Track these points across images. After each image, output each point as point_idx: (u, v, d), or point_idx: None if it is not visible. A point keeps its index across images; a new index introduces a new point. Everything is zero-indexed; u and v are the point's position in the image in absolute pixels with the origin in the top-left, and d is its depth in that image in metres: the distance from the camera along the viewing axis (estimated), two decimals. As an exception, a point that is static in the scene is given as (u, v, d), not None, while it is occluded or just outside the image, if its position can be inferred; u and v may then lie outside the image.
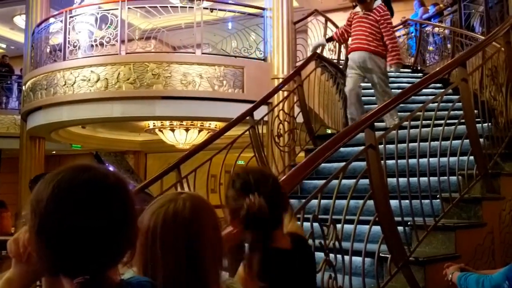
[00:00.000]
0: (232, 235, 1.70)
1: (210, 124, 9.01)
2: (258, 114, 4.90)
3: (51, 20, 8.38)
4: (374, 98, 5.57)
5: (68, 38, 7.67)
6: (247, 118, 4.77)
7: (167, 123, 9.02)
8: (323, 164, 4.74)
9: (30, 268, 0.92)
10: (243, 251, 1.74)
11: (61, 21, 7.85)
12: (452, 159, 3.28)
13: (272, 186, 1.55)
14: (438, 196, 3.15)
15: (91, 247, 0.84)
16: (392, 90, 5.74)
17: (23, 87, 8.93)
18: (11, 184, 10.24)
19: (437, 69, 3.70)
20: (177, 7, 7.50)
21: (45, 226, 0.83)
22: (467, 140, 3.43)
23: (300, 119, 5.31)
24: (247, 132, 4.69)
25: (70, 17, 7.73)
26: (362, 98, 5.44)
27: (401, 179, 3.00)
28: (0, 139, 11.40)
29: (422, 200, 3.00)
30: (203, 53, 7.29)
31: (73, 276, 0.84)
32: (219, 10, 7.67)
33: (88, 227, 0.83)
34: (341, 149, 4.56)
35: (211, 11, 7.65)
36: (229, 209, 1.54)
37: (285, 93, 5.76)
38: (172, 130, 9.20)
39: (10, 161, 10.88)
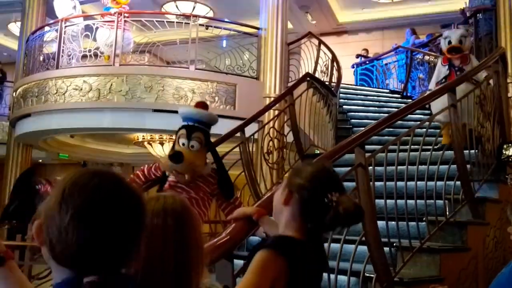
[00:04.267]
0: (220, 245, 1.72)
1: (200, 139, 9.00)
2: (248, 131, 4.92)
3: (46, 28, 8.39)
4: (368, 114, 5.66)
5: (62, 47, 7.68)
6: (238, 134, 4.79)
7: (156, 136, 9.01)
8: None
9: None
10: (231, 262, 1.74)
11: (56, 30, 7.86)
12: (439, 183, 3.33)
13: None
14: (424, 219, 3.19)
15: (108, 250, 0.88)
16: (382, 114, 5.83)
17: (14, 94, 8.87)
18: (-5, 190, 10.07)
19: (426, 94, 3.78)
20: (173, 22, 7.56)
21: (75, 222, 0.85)
22: (454, 166, 3.50)
23: (290, 138, 5.36)
24: (236, 150, 4.70)
25: (65, 26, 7.74)
26: (353, 115, 5.64)
27: (388, 201, 3.03)
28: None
29: (409, 222, 3.03)
30: (196, 69, 7.34)
31: (81, 272, 0.86)
32: (215, 27, 7.76)
33: (111, 231, 0.88)
34: (330, 169, 4.63)
35: (207, 28, 7.74)
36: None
37: (276, 112, 5.81)
38: (162, 143, 9.19)
39: (-5, 168, 10.72)
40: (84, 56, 7.55)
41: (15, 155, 9.43)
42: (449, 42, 5.20)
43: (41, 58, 8.25)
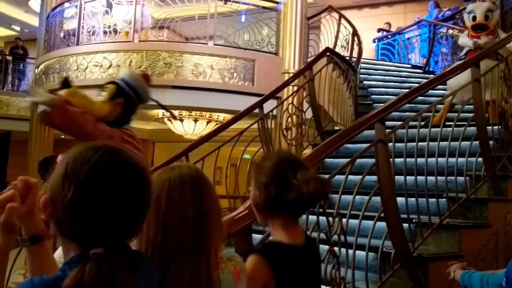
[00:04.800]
0: (236, 220, 1.73)
1: (218, 116, 9.03)
2: (267, 108, 4.91)
3: (66, 4, 8.40)
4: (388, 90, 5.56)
5: (82, 23, 7.71)
6: (256, 110, 4.78)
7: (176, 112, 9.05)
8: (330, 159, 4.77)
9: (13, 237, 1.00)
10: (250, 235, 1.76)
11: (76, 7, 7.88)
12: (460, 159, 3.29)
13: None
14: (444, 195, 3.16)
15: (113, 223, 0.89)
16: (403, 90, 5.73)
17: (36, 70, 8.98)
18: (19, 166, 10.32)
19: (449, 68, 3.69)
20: (192, -3, 7.51)
21: (76, 198, 0.87)
22: (476, 142, 3.44)
23: (308, 114, 5.32)
24: (254, 126, 4.70)
25: (85, 2, 7.76)
26: (374, 91, 5.53)
27: (408, 177, 3.01)
28: (11, 121, 11.51)
29: (429, 199, 3.01)
30: (215, 45, 7.30)
31: (86, 245, 0.87)
32: (233, 2, 7.67)
33: (115, 205, 0.88)
34: (349, 145, 4.59)
35: (225, 3, 7.65)
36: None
37: (295, 88, 5.77)
38: (181, 120, 9.23)
39: (19, 144, 10.96)
40: (104, 33, 7.57)
41: (38, 131, 9.61)
42: (474, 18, 4.91)
43: (62, 35, 8.30)
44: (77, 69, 7.49)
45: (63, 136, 12.38)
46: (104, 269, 0.83)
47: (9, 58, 12.43)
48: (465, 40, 5.16)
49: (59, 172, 0.90)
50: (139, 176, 0.94)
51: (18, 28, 14.60)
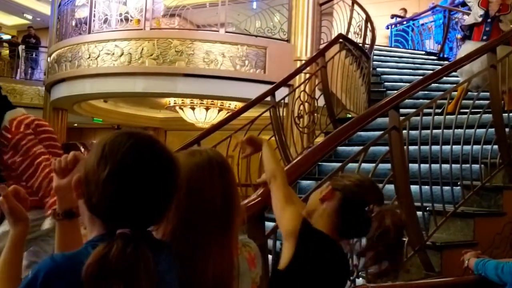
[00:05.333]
0: (251, 206, 1.72)
1: (230, 104, 9.02)
2: (279, 95, 4.87)
3: (78, -8, 8.42)
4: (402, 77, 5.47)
5: (94, 11, 7.71)
6: (268, 98, 4.75)
7: (187, 101, 9.06)
8: (342, 147, 4.74)
9: (26, 225, 1.11)
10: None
11: (87, -6, 7.89)
12: (475, 147, 3.24)
13: None
14: (459, 183, 3.12)
15: (144, 204, 0.92)
16: (417, 77, 5.65)
17: (48, 59, 9.03)
18: (33, 154, 10.44)
19: (463, 54, 3.62)
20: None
21: (112, 176, 0.91)
22: (492, 129, 3.38)
23: (321, 102, 5.28)
24: (265, 115, 4.67)
25: (97, -10, 7.76)
26: (387, 78, 5.40)
27: (422, 165, 2.97)
28: (24, 109, 11.56)
29: (443, 187, 2.97)
30: (226, 32, 7.25)
31: (112, 225, 0.90)
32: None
33: (147, 186, 0.92)
34: (362, 133, 4.55)
35: (237, -10, 7.60)
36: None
37: (307, 75, 5.72)
38: (193, 108, 9.23)
39: (32, 132, 11.06)
40: (115, 21, 7.57)
41: (51, 119, 9.70)
42: None
43: (73, 23, 8.32)
44: (89, 57, 7.52)
45: (76, 125, 12.50)
46: (130, 248, 0.86)
47: (22, 46, 12.50)
48: (471, 14, 4.90)
49: (95, 153, 0.94)
50: (170, 164, 0.98)
51: (30, 17, 14.68)
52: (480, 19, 4.70)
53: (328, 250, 1.45)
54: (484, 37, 4.63)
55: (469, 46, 4.63)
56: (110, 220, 0.92)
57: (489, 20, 4.61)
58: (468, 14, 8.12)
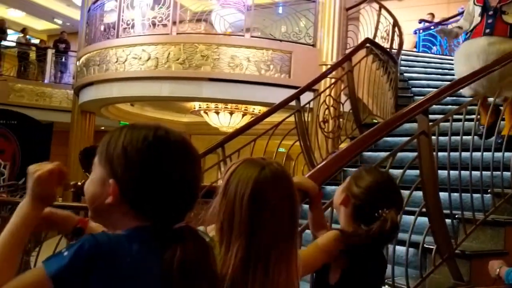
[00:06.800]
0: None
1: (254, 109, 9.03)
2: (304, 100, 4.84)
3: (107, -2, 8.58)
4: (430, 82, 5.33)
5: (122, 16, 7.84)
6: (292, 103, 4.72)
7: (212, 105, 9.11)
8: (369, 153, 4.68)
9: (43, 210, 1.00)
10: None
11: (116, 0, 8.02)
12: (506, 154, 3.15)
13: None
14: (489, 190, 3.04)
15: (176, 195, 0.94)
16: (445, 82, 5.54)
17: (77, 63, 9.21)
18: (61, 156, 10.65)
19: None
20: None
21: (144, 168, 0.92)
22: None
23: (346, 107, 5.22)
24: (288, 120, 4.63)
25: (125, -5, 7.88)
26: (415, 83, 5.14)
27: (451, 172, 2.90)
28: (53, 112, 11.87)
29: (473, 194, 2.90)
30: (252, 37, 7.27)
31: (149, 216, 0.93)
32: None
33: (177, 177, 0.94)
34: (388, 139, 4.48)
35: (263, -5, 7.62)
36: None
37: (333, 80, 5.67)
38: (217, 112, 9.28)
39: (61, 134, 11.30)
40: (143, 25, 7.67)
41: (79, 122, 9.89)
42: None
43: (102, 28, 8.47)
44: (117, 61, 7.63)
45: (103, 128, 12.71)
46: (200, 246, 0.92)
47: (52, 50, 12.80)
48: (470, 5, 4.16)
49: (119, 154, 0.94)
50: (185, 155, 0.97)
51: (60, 22, 15.01)
52: (479, 18, 3.98)
53: (371, 257, 1.48)
54: (487, 30, 3.88)
55: (467, 46, 4.01)
56: (146, 212, 0.93)
57: (490, 12, 3.89)
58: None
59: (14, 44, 13.13)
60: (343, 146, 5.08)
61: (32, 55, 12.92)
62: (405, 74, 7.25)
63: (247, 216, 1.04)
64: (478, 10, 3.98)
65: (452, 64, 8.37)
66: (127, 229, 0.91)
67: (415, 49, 10.48)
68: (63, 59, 12.80)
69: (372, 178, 1.52)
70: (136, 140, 0.93)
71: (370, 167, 1.67)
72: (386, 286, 2.48)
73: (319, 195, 1.66)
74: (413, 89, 6.74)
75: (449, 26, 4.69)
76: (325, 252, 1.42)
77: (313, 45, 7.15)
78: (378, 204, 1.45)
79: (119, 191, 0.91)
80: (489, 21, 3.87)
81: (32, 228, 0.97)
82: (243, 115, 9.30)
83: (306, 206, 1.63)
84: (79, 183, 5.58)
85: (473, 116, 3.12)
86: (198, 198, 0.98)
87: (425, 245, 2.61)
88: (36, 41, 14.70)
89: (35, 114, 11.32)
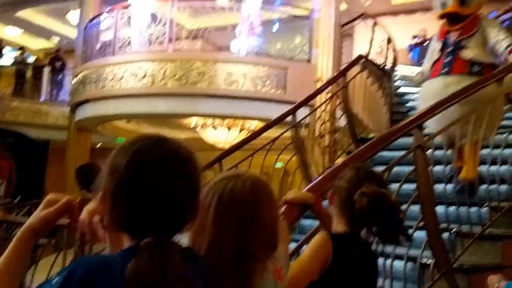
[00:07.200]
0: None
1: (250, 124, 9.05)
2: (300, 115, 4.86)
3: (103, 16, 8.64)
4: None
5: (118, 34, 7.89)
6: (289, 118, 4.75)
7: (209, 121, 9.12)
8: (365, 168, 4.68)
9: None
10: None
11: (113, 18, 8.09)
12: (503, 167, 3.17)
13: None
14: (486, 204, 3.04)
15: (159, 212, 0.90)
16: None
17: (73, 80, 9.24)
18: (58, 174, 10.61)
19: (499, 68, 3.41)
20: (224, 8, 7.58)
21: (121, 189, 0.90)
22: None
23: (342, 122, 5.25)
24: (285, 135, 4.65)
25: (121, 13, 7.95)
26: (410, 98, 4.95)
27: (448, 186, 2.91)
28: (49, 130, 11.85)
29: (470, 208, 2.91)
30: (248, 53, 7.33)
31: (138, 236, 0.90)
32: (266, 11, 7.70)
33: (158, 194, 0.90)
34: (384, 153, 4.49)
35: (258, 12, 7.69)
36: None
37: (328, 95, 5.71)
38: (214, 128, 9.29)
39: (57, 152, 11.27)
40: (139, 43, 7.72)
41: (75, 139, 9.86)
42: (443, 5, 3.55)
43: (98, 45, 8.52)
44: (113, 78, 7.66)
45: (99, 145, 12.69)
46: (156, 257, 0.85)
47: (48, 68, 12.83)
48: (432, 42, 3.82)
49: (105, 170, 0.94)
50: (180, 165, 0.94)
51: (56, 40, 15.07)
52: (438, 55, 3.67)
53: (355, 248, 1.53)
54: (445, 69, 3.55)
55: (425, 88, 3.73)
56: (134, 232, 0.91)
57: (450, 49, 3.55)
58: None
59: (10, 63, 13.17)
60: (339, 160, 5.09)
61: (29, 73, 12.94)
62: (400, 89, 7.30)
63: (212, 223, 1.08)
64: (438, 46, 3.68)
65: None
66: (121, 250, 0.92)
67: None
68: (59, 77, 12.82)
69: (352, 170, 1.63)
70: (113, 161, 0.93)
71: (353, 165, 1.77)
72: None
73: (318, 201, 1.71)
74: (408, 104, 6.79)
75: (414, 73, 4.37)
76: (317, 260, 1.46)
77: (308, 61, 7.21)
78: (359, 187, 1.51)
79: (108, 211, 0.92)
80: (448, 58, 3.53)
81: (27, 251, 0.96)
82: (240, 131, 9.30)
83: (305, 222, 1.65)
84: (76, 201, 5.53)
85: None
86: (196, 209, 0.96)
87: (423, 259, 2.61)
88: (33, 59, 14.75)
89: (31, 132, 11.29)
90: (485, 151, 3.13)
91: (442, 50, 3.59)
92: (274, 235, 1.15)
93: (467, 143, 3.22)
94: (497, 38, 3.35)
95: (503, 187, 3.16)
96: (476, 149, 3.30)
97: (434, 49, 3.74)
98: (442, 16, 3.66)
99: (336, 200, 1.60)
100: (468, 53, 3.44)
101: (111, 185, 0.90)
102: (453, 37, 3.52)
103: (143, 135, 0.97)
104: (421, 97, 3.70)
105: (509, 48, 3.23)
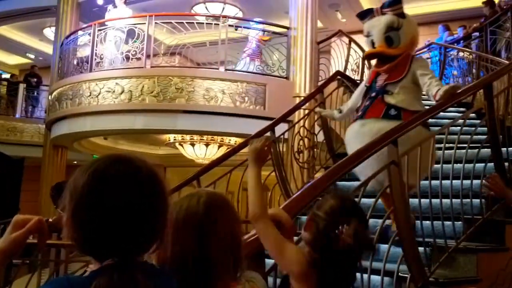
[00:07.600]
0: (250, 242, 1.71)
1: (229, 140, 9.06)
2: (279, 131, 4.90)
3: (80, 32, 8.60)
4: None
5: (95, 50, 7.85)
6: (268, 134, 4.78)
7: (187, 137, 9.10)
8: (342, 182, 4.73)
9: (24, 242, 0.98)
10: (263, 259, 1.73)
11: (89, 34, 8.05)
12: (475, 181, 3.23)
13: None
14: (460, 218, 3.10)
15: (118, 233, 0.88)
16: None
17: (49, 97, 9.12)
18: (33, 192, 10.40)
19: (461, 89, 3.62)
20: (203, 23, 7.62)
21: (79, 210, 0.88)
22: (491, 164, 3.39)
23: (320, 137, 5.30)
24: (266, 149, 4.67)
25: (98, 30, 7.92)
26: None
27: (422, 200, 2.96)
28: (24, 147, 11.64)
29: (444, 222, 2.95)
30: (226, 70, 7.37)
31: (101, 258, 0.89)
32: (244, 28, 7.78)
33: (115, 213, 0.88)
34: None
35: (236, 29, 7.77)
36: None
37: (306, 111, 5.77)
38: (192, 144, 9.26)
39: (32, 169, 11.06)
40: (116, 59, 7.70)
41: (50, 157, 9.71)
42: (372, 44, 3.32)
43: (75, 62, 8.45)
44: (90, 95, 7.60)
45: (75, 162, 12.51)
46: (116, 279, 0.84)
47: (23, 85, 12.65)
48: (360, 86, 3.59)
49: (66, 189, 0.93)
50: (138, 186, 0.91)
51: (32, 56, 14.90)
52: (361, 100, 3.51)
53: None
54: (359, 113, 3.40)
55: (346, 134, 3.56)
56: (95, 254, 0.90)
57: (372, 94, 3.32)
58: (462, 51, 8.29)
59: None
60: (318, 176, 5.12)
61: (3, 90, 12.74)
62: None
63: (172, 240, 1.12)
64: (363, 90, 3.49)
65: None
66: (91, 271, 0.91)
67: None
68: (35, 94, 12.65)
69: (334, 201, 1.55)
70: (73, 182, 0.92)
71: (334, 194, 1.68)
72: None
73: (292, 228, 1.68)
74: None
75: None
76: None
77: (287, 78, 7.30)
78: (337, 224, 1.46)
79: (71, 236, 0.91)
80: (367, 103, 3.33)
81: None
82: (219, 147, 9.30)
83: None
84: (50, 220, 5.44)
85: (441, 145, 3.20)
86: (161, 228, 0.95)
87: (399, 273, 2.63)
88: (7, 76, 14.53)
89: (6, 149, 11.08)
90: (458, 165, 3.18)
91: (364, 96, 3.40)
92: (237, 252, 1.17)
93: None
94: (427, 82, 3.26)
95: (476, 201, 3.22)
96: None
97: (360, 91, 3.57)
98: (369, 57, 3.49)
99: (313, 228, 1.53)
100: (390, 100, 3.21)
101: (71, 205, 0.90)
102: (380, 81, 3.30)
103: (104, 156, 0.96)
104: (346, 143, 3.57)
105: (435, 93, 3.14)
